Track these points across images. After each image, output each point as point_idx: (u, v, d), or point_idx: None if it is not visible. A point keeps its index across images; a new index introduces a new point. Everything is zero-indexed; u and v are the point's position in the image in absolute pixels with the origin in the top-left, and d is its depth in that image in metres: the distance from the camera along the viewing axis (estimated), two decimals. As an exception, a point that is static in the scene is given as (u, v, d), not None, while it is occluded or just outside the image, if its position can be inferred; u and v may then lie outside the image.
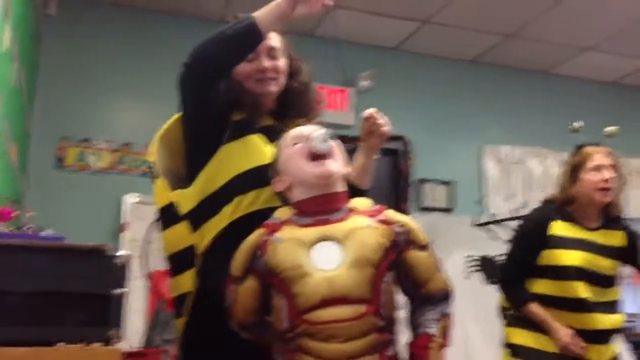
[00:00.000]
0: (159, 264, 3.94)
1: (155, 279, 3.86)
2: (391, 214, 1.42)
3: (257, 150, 1.58)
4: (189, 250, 1.55)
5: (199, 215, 1.55)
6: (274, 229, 1.39)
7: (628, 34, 4.59)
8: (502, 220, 4.15)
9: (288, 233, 1.37)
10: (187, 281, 1.54)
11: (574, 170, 2.40)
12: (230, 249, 1.43)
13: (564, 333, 2.21)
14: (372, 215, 1.40)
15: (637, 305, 5.01)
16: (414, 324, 1.39)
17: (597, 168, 2.35)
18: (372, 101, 1.77)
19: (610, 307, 2.29)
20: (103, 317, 1.51)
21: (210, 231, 1.53)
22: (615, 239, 2.35)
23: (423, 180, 4.71)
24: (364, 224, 1.37)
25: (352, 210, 1.41)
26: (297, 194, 1.42)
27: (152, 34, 4.35)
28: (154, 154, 1.69)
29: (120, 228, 3.95)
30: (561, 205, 2.38)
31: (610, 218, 2.38)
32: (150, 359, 2.91)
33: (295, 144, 1.44)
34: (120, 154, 4.13)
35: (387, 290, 1.35)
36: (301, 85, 1.73)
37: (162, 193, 1.62)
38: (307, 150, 1.41)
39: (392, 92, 4.70)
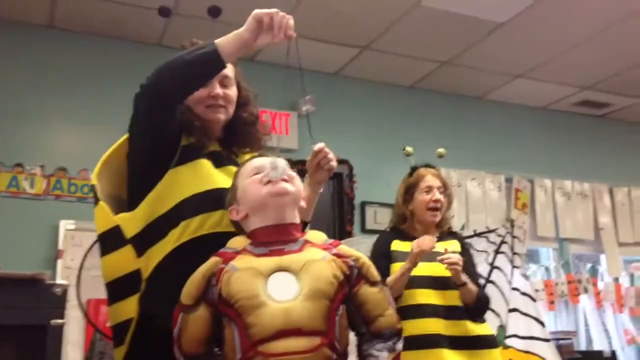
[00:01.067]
0: (95, 292, 3.83)
1: (91, 308, 3.73)
2: (345, 248, 1.43)
3: (206, 174, 1.56)
4: (133, 275, 1.50)
5: (145, 239, 1.51)
6: (229, 257, 1.37)
7: (556, 62, 4.80)
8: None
9: (244, 262, 1.35)
10: (129, 307, 1.49)
11: (408, 191, 2.63)
12: (175, 274, 1.40)
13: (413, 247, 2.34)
14: (326, 248, 1.41)
15: (572, 323, 5.18)
16: (363, 355, 1.38)
17: (429, 189, 2.57)
18: (315, 125, 1.77)
19: (458, 312, 2.42)
20: (41, 350, 1.43)
21: (155, 255, 1.49)
22: (451, 246, 2.52)
23: (366, 203, 4.75)
24: (318, 257, 1.37)
25: (307, 242, 1.41)
26: (253, 223, 1.42)
27: (86, 57, 4.25)
28: (95, 178, 1.65)
29: (56, 255, 3.80)
30: (397, 225, 2.61)
31: (444, 232, 2.61)
32: (87, 392, 2.78)
33: (255, 174, 1.44)
34: (54, 179, 4.00)
35: (341, 323, 1.34)
36: (249, 116, 1.73)
37: (104, 217, 1.57)
38: (266, 179, 1.42)
39: (335, 116, 4.75)
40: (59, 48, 4.19)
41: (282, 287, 1.31)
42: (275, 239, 1.39)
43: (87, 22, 4.16)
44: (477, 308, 2.53)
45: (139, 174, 1.61)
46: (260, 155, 1.57)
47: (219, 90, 1.64)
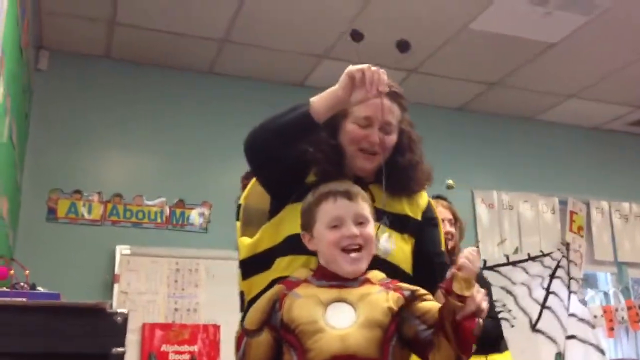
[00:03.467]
0: (149, 316, 3.91)
1: (146, 332, 3.81)
2: (402, 284, 1.46)
3: None
4: (241, 294, 1.64)
5: (250, 266, 1.61)
6: (292, 285, 1.44)
7: (609, 81, 4.70)
8: (496, 266, 4.15)
9: (306, 291, 1.41)
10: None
11: None
12: None
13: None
14: (383, 285, 1.45)
15: (633, 350, 4.99)
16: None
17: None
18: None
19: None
20: (102, 377, 1.48)
21: (258, 283, 1.57)
22: None
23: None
24: (375, 290, 1.42)
25: (366, 280, 1.45)
26: (322, 261, 1.47)
27: (141, 85, 4.39)
28: (243, 199, 1.75)
29: (112, 280, 3.90)
30: None
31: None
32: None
33: (333, 226, 1.44)
34: (110, 205, 4.11)
35: (394, 354, 1.37)
36: (405, 161, 1.68)
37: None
38: (343, 244, 1.43)
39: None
40: (116, 78, 4.34)
41: (339, 316, 1.36)
42: (337, 279, 1.44)
43: (143, 51, 4.29)
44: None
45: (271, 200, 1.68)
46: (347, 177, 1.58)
47: (376, 137, 1.61)
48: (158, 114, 4.38)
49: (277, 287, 1.44)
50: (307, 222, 1.49)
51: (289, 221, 1.57)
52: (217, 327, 3.93)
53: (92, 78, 4.30)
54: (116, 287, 3.86)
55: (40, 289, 1.93)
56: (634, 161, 5.53)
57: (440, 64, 4.45)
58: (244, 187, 1.87)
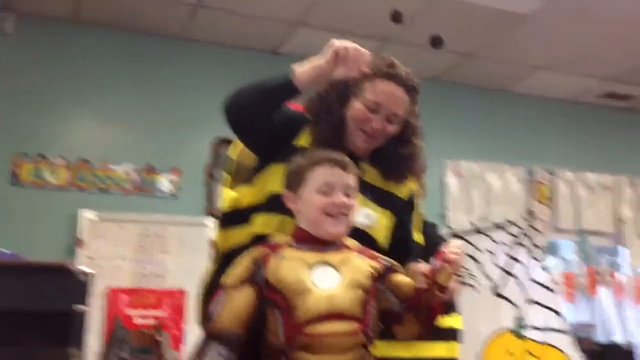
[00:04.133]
0: (116, 280, 3.90)
1: (112, 296, 3.80)
2: (375, 252, 1.54)
3: None
4: (215, 244, 1.67)
5: (229, 219, 1.66)
6: (275, 247, 1.47)
7: (581, 54, 4.75)
8: (463, 233, 4.21)
9: (289, 253, 1.45)
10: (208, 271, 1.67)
11: None
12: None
13: None
14: (360, 252, 1.51)
15: (591, 315, 5.14)
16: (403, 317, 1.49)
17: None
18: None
19: None
20: (64, 336, 1.47)
21: (235, 237, 1.62)
22: None
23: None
24: (354, 256, 1.49)
25: (344, 246, 1.50)
26: (303, 224, 1.49)
27: (111, 50, 4.30)
28: (233, 152, 1.78)
29: (76, 245, 3.86)
30: None
31: None
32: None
33: (323, 192, 1.46)
34: (76, 170, 4.05)
35: (373, 314, 1.45)
36: (407, 153, 1.71)
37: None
38: (330, 211, 1.46)
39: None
40: (83, 41, 4.25)
41: (324, 277, 1.42)
42: (318, 243, 1.47)
43: (112, 16, 4.20)
44: None
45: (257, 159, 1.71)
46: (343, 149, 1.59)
47: (379, 124, 1.62)
48: (128, 79, 4.30)
49: (259, 248, 1.46)
50: (295, 183, 1.51)
51: (272, 180, 1.60)
52: (183, 293, 3.93)
53: (59, 42, 4.20)
54: (82, 252, 3.83)
55: (1, 249, 1.91)
56: (600, 133, 5.63)
57: (415, 33, 4.43)
58: (214, 153, 1.92)
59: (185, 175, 4.28)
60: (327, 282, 1.41)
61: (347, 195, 1.48)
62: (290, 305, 1.36)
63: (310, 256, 1.44)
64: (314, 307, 1.36)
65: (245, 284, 1.40)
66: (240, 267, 1.43)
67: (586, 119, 5.63)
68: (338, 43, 1.53)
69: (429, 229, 2.10)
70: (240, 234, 1.61)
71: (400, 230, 1.71)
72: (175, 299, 3.93)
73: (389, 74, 1.63)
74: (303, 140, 1.65)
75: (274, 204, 1.56)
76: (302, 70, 1.56)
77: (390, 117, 1.64)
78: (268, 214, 1.58)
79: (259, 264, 1.42)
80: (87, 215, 3.93)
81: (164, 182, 4.23)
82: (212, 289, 1.62)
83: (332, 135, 1.62)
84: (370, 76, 1.62)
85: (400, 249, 1.67)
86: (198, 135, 4.38)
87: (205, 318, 1.68)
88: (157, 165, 4.24)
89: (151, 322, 3.82)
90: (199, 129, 4.39)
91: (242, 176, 1.74)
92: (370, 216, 1.60)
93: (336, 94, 1.63)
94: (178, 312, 3.91)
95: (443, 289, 1.41)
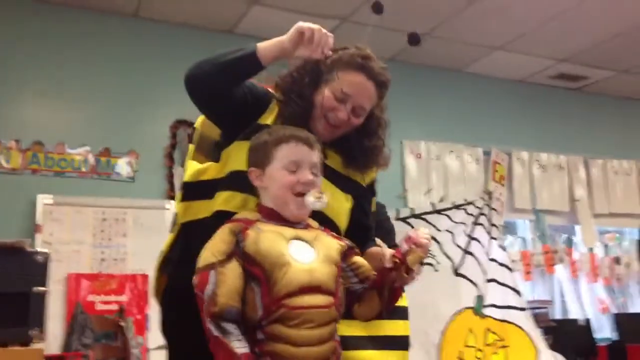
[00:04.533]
0: (76, 266, 3.82)
1: (72, 282, 3.73)
2: (334, 233, 1.58)
3: None
4: (176, 215, 1.66)
5: (191, 191, 1.65)
6: (250, 222, 1.46)
7: (534, 35, 4.83)
8: (422, 214, 4.26)
9: (266, 227, 1.45)
10: (166, 241, 1.65)
11: None
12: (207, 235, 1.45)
13: None
14: (323, 231, 1.55)
15: (548, 292, 5.29)
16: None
17: None
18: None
19: None
20: (23, 316, 1.43)
21: (197, 210, 1.60)
22: None
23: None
24: (323, 233, 1.53)
25: (308, 225, 1.53)
26: (268, 202, 1.50)
27: (65, 29, 4.18)
28: (199, 123, 1.77)
29: (34, 229, 3.77)
30: None
31: None
32: (69, 364, 2.79)
33: (291, 171, 1.48)
34: (30, 153, 3.94)
35: (342, 291, 1.49)
36: (372, 146, 1.73)
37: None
38: (297, 189, 1.47)
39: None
40: (35, 21, 4.11)
41: (300, 252, 1.44)
42: (284, 221, 1.49)
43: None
44: None
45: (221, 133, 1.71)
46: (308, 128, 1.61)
47: (344, 115, 1.63)
48: (82, 59, 4.19)
49: (234, 223, 1.45)
50: (260, 160, 1.51)
51: (235, 157, 1.60)
52: (145, 277, 3.89)
53: (12, 20, 4.06)
54: (39, 237, 3.73)
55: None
56: (555, 114, 5.76)
57: (372, 14, 4.43)
58: (173, 135, 1.93)
59: (143, 158, 4.21)
60: (304, 256, 1.43)
61: (314, 174, 1.49)
62: (269, 277, 1.37)
63: (286, 230, 1.45)
64: (295, 279, 1.38)
65: (231, 257, 1.39)
66: (222, 242, 1.41)
67: (540, 100, 5.74)
68: (303, 24, 1.55)
69: (378, 209, 2.13)
70: (201, 208, 1.60)
71: (359, 214, 1.74)
72: (137, 283, 3.88)
73: (363, 67, 1.65)
74: (268, 118, 1.65)
75: (237, 182, 1.56)
76: (264, 45, 1.56)
77: (357, 109, 1.65)
78: (231, 192, 1.57)
79: (237, 237, 1.41)
80: (43, 199, 3.83)
81: (122, 165, 4.16)
82: (168, 259, 1.65)
83: (300, 118, 1.63)
84: (343, 65, 1.63)
85: (359, 232, 1.70)
86: (156, 117, 4.31)
87: (159, 288, 1.69)
88: (114, 148, 4.15)
89: (114, 307, 3.76)
90: (156, 110, 4.32)
91: (205, 148, 1.74)
92: (322, 198, 1.61)
93: (309, 77, 1.64)
94: (140, 296, 3.86)
95: (410, 271, 1.45)
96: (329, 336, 1.42)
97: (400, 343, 2.41)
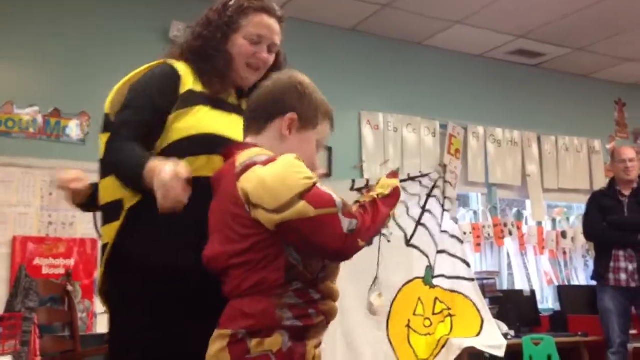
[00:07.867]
0: (21, 229, 3.72)
1: (17, 245, 3.64)
2: None
3: (201, 119, 1.63)
4: (117, 203, 1.61)
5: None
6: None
7: (493, 9, 4.84)
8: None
9: None
10: (109, 233, 1.61)
11: None
12: (155, 210, 1.43)
13: None
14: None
15: (496, 264, 5.42)
16: None
17: None
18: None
19: None
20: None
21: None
22: None
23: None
24: None
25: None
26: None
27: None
28: (108, 107, 1.75)
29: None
30: None
31: None
32: (11, 324, 2.74)
33: (317, 140, 1.59)
34: (-24, 112, 3.80)
35: None
36: None
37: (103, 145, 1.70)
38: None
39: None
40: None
41: None
42: None
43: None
44: None
45: None
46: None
47: (265, 55, 1.76)
48: (33, 17, 4.02)
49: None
50: (283, 105, 1.56)
51: (173, 129, 1.62)
52: (95, 242, 3.82)
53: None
54: (-18, 199, 3.63)
55: None
56: (510, 89, 5.82)
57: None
58: None
59: (94, 120, 4.10)
60: None
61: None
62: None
63: None
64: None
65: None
66: (303, 166, 1.40)
67: (498, 76, 5.79)
68: (162, 184, 1.41)
69: None
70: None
71: None
72: (86, 247, 3.82)
73: (262, 8, 1.76)
74: (188, 84, 1.67)
75: (199, 146, 1.60)
76: (149, 176, 1.47)
77: (271, 47, 1.78)
78: (193, 157, 1.58)
79: None
80: (-12, 160, 3.71)
81: (72, 127, 4.04)
82: (119, 246, 1.61)
83: (224, 69, 1.71)
84: (245, 11, 1.72)
85: None
86: (108, 78, 4.15)
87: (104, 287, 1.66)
88: (64, 109, 4.03)
89: (61, 271, 3.70)
90: (109, 71, 4.17)
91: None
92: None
93: (219, 32, 1.72)
94: (89, 261, 3.80)
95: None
96: None
97: None
